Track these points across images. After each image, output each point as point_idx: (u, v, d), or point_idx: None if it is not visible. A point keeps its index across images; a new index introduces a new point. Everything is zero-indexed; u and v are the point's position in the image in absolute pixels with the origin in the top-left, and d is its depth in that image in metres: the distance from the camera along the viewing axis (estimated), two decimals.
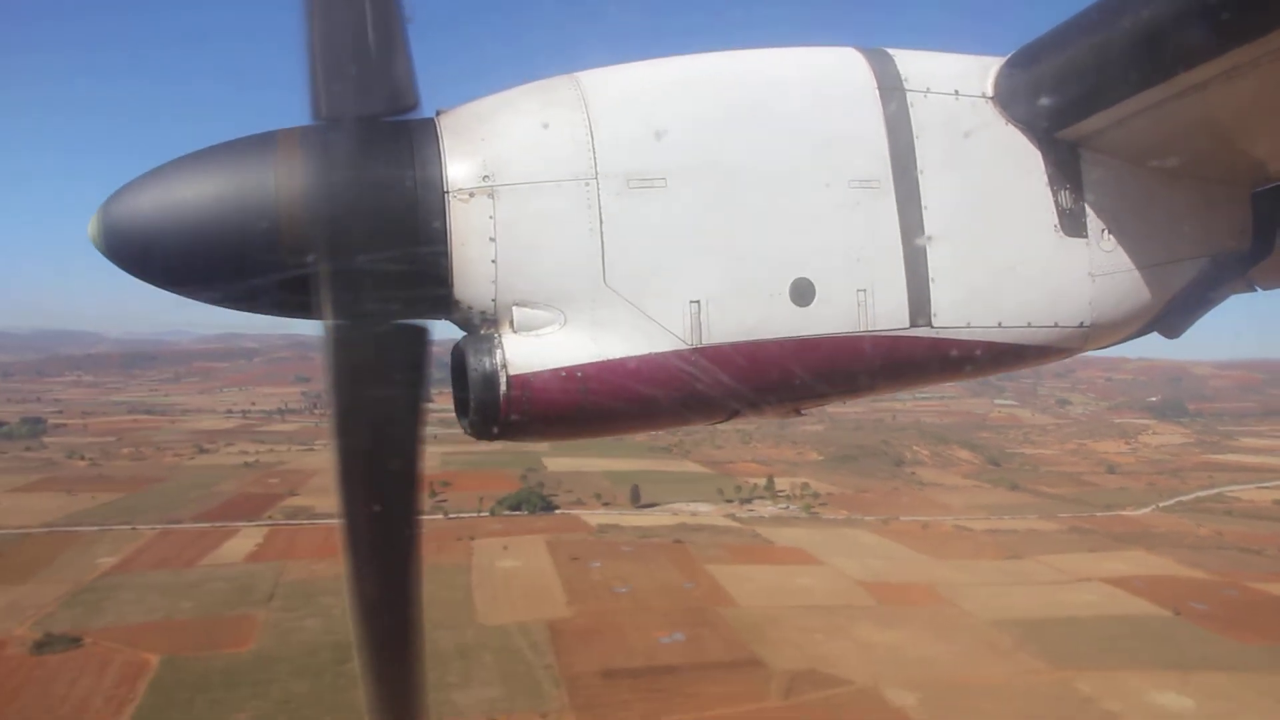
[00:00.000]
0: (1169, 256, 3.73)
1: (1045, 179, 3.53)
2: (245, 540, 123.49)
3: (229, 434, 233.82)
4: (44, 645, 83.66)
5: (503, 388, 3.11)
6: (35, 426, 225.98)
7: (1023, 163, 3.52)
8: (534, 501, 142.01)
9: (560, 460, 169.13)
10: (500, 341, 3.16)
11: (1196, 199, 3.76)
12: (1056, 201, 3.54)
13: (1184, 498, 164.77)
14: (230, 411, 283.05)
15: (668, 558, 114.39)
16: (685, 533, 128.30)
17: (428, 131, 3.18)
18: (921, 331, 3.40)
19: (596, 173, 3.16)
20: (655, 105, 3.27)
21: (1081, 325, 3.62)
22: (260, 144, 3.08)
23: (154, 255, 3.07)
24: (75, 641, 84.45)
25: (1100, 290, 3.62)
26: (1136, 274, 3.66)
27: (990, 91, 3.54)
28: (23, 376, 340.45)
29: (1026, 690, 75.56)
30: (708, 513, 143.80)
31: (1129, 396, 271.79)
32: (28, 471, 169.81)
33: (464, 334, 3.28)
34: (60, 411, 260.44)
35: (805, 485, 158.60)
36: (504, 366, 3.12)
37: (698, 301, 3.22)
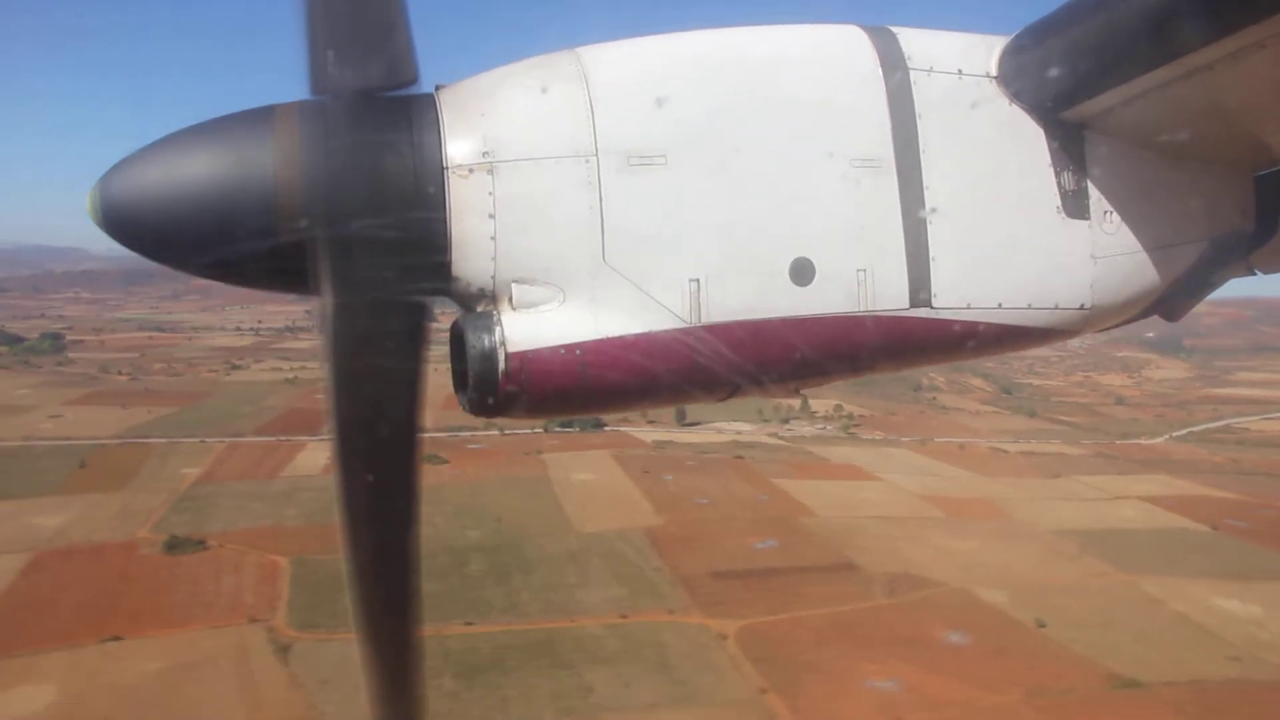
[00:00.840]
0: (1171, 239, 3.73)
1: (1048, 160, 3.54)
2: (314, 453, 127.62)
3: (251, 351, 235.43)
4: (174, 546, 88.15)
5: (501, 365, 3.11)
6: (56, 342, 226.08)
7: (1026, 143, 3.53)
8: (587, 419, 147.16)
9: None
10: (499, 319, 3.16)
11: (1200, 181, 3.77)
12: (1059, 182, 3.55)
13: (1194, 429, 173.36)
14: (240, 329, 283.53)
15: (733, 472, 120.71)
16: (740, 449, 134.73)
17: (427, 107, 3.17)
18: (922, 312, 3.41)
19: (597, 149, 3.16)
20: (656, 82, 3.27)
21: (1083, 307, 3.63)
22: (258, 118, 3.09)
23: (152, 230, 3.07)
24: (200, 544, 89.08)
25: (1102, 272, 3.62)
26: (1139, 256, 3.67)
27: (994, 71, 3.54)
28: (19, 292, 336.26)
29: (1100, 591, 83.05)
30: (751, 431, 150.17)
31: (1125, 331, 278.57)
32: (69, 385, 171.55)
33: (463, 311, 3.29)
34: (71, 328, 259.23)
35: (839, 407, 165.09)
36: (503, 344, 3.12)
37: (697, 280, 3.22)
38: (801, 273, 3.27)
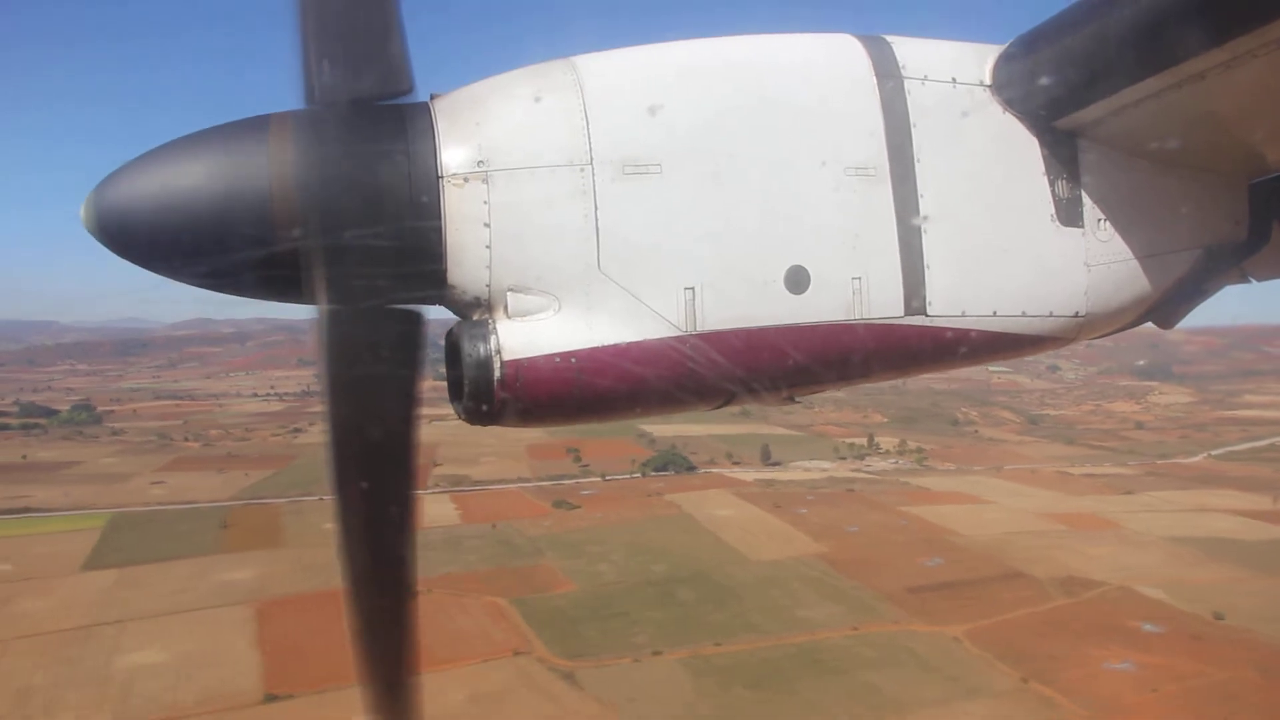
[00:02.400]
0: (1165, 247, 3.74)
1: (1042, 168, 3.54)
2: (437, 506, 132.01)
3: (289, 415, 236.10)
4: None
5: (497, 373, 3.12)
6: (91, 413, 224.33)
7: (1020, 151, 3.53)
8: (679, 462, 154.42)
9: (661, 427, 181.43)
10: (495, 327, 3.17)
11: (1193, 189, 3.77)
12: (1053, 191, 3.55)
13: (1233, 447, 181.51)
14: (262, 394, 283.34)
15: (856, 503, 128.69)
16: (843, 484, 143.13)
17: (422, 116, 3.17)
18: (916, 320, 3.41)
19: (591, 158, 3.16)
20: (651, 91, 3.27)
21: (1077, 315, 3.62)
22: (253, 128, 3.08)
23: (147, 239, 3.05)
24: None
25: (1096, 280, 3.61)
26: (1133, 264, 3.66)
27: (988, 79, 3.53)
28: (13, 366, 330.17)
29: (1250, 593, 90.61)
30: (832, 468, 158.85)
31: (1114, 361, 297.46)
32: (145, 454, 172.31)
33: (459, 319, 3.29)
34: (88, 399, 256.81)
35: (903, 442, 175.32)
36: (498, 352, 3.13)
37: (692, 288, 3.22)
38: (797, 281, 3.29)
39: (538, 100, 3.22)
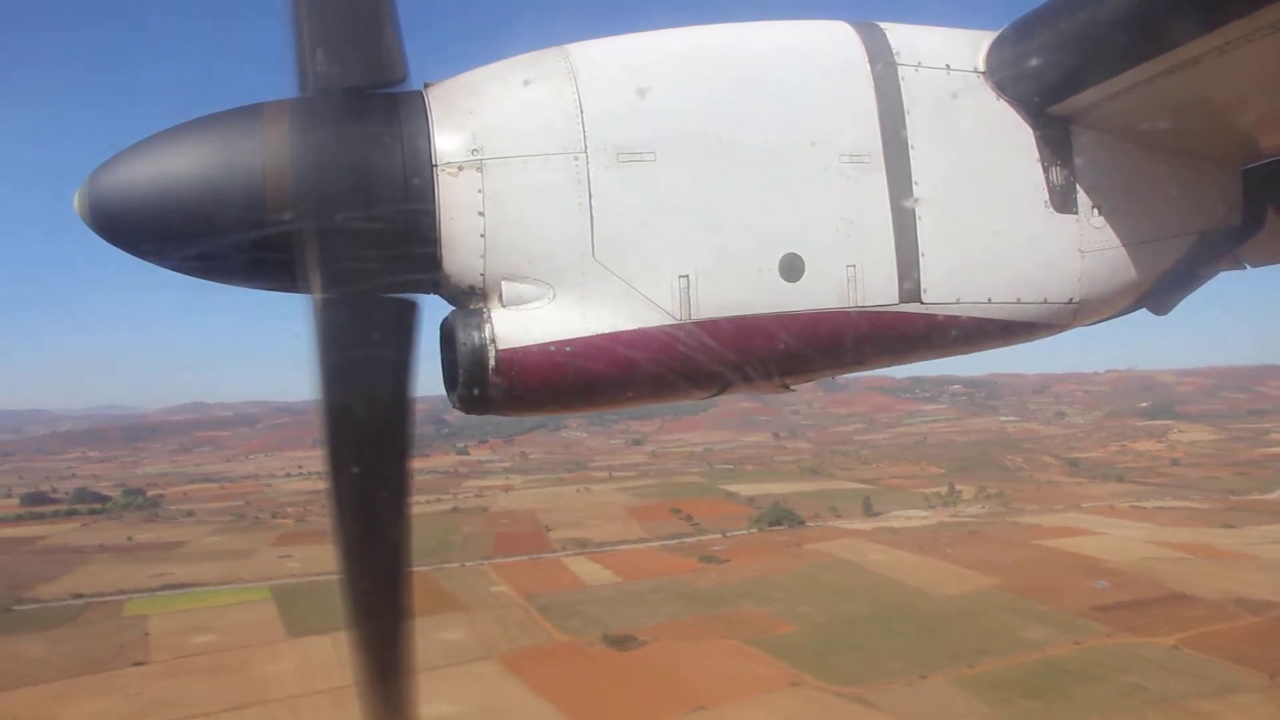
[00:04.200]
0: (1159, 233, 3.75)
1: (1036, 154, 3.55)
2: (583, 567, 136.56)
3: None
4: (617, 643, 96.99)
5: (491, 361, 3.12)
6: (144, 497, 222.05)
7: (1014, 138, 3.54)
8: (791, 517, 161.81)
9: (743, 487, 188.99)
10: (489, 316, 3.17)
11: (1187, 175, 3.78)
12: (1047, 177, 3.57)
13: None
14: (295, 474, 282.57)
15: (986, 542, 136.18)
16: (956, 528, 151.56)
17: (416, 104, 3.17)
18: (911, 307, 3.42)
19: (585, 146, 3.17)
20: (645, 78, 3.27)
21: (1071, 301, 3.64)
22: (247, 116, 3.08)
23: (141, 227, 3.05)
24: (633, 640, 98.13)
25: (1090, 266, 3.63)
26: (1126, 250, 3.67)
27: (982, 66, 3.55)
28: (24, 455, 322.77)
29: None
30: (927, 515, 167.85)
31: (1115, 404, 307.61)
32: (240, 531, 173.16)
33: (453, 308, 3.29)
34: (121, 485, 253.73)
35: (982, 489, 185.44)
36: (492, 341, 3.13)
37: (686, 276, 3.23)
38: (791, 268, 3.30)
39: (531, 88, 3.25)
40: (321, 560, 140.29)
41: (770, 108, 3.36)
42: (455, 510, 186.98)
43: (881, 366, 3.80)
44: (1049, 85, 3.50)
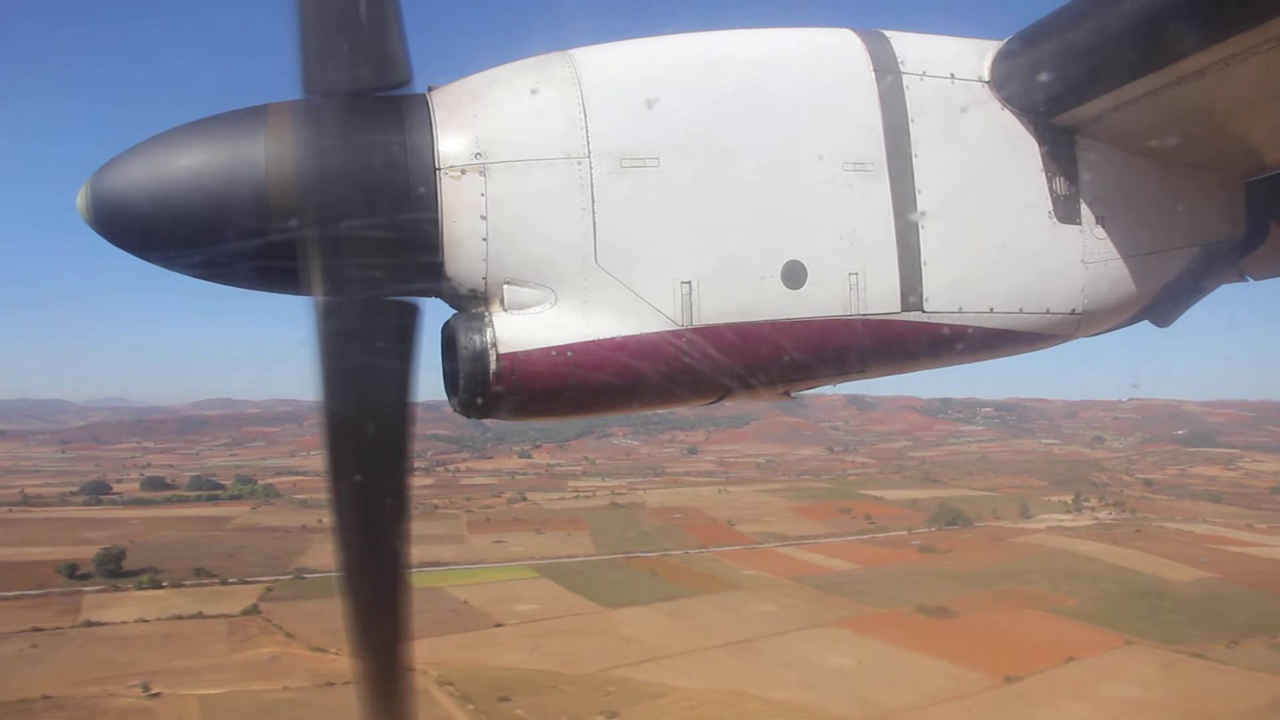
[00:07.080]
0: (1162, 245, 3.77)
1: (1040, 164, 3.56)
2: (804, 554, 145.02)
3: (465, 488, 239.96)
4: (934, 613, 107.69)
5: (493, 366, 3.13)
6: (256, 485, 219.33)
7: (1018, 148, 3.55)
8: (964, 518, 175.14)
9: (872, 492, 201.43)
10: (491, 319, 3.19)
11: (1191, 187, 3.80)
12: (1051, 187, 3.57)
13: None
14: None
15: (1163, 540, 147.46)
16: (1116, 529, 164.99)
17: (419, 107, 3.19)
18: (913, 315, 3.43)
19: (589, 151, 3.18)
20: (649, 84, 3.27)
21: (1073, 312, 3.65)
22: (251, 117, 3.09)
23: (143, 227, 3.05)
24: (947, 610, 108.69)
25: (1093, 277, 3.64)
26: (1130, 261, 3.68)
27: (987, 75, 3.55)
28: (81, 444, 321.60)
29: None
30: (1071, 519, 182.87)
31: (1147, 432, 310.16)
32: (418, 520, 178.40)
33: (455, 311, 3.32)
34: (199, 474, 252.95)
35: (1103, 498, 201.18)
36: (494, 345, 3.14)
37: (689, 282, 3.24)
38: (794, 276, 3.32)
39: (535, 93, 3.25)
40: (541, 548, 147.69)
41: (774, 115, 3.41)
42: (613, 505, 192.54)
43: (883, 375, 3.80)
44: (1054, 96, 3.52)
